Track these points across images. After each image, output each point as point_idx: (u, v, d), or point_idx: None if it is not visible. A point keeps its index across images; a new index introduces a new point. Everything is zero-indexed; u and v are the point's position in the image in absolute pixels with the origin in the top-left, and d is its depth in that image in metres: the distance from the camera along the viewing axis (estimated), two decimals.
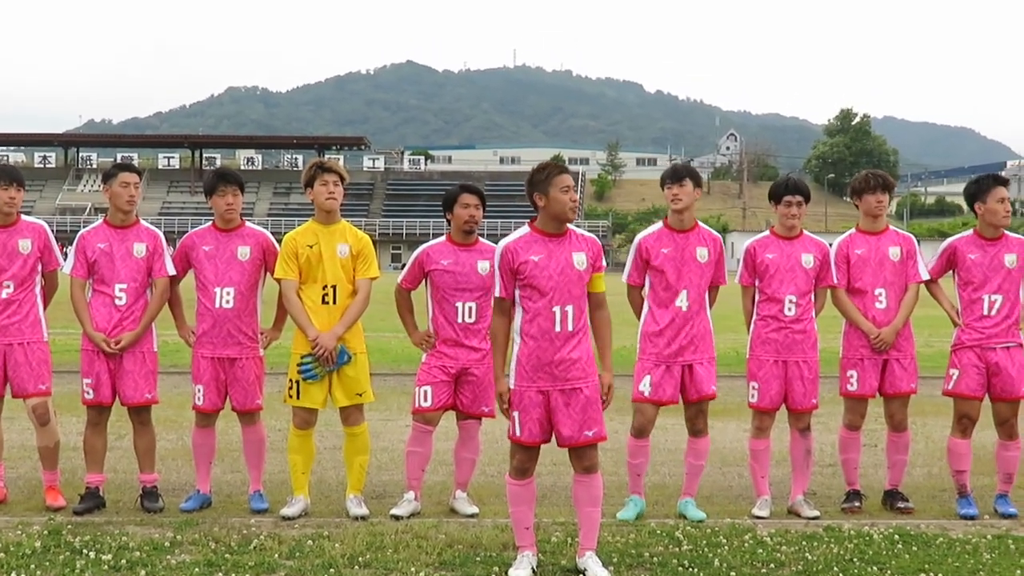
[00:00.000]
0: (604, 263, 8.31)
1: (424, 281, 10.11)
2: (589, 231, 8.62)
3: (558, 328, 7.96)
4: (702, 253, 9.93)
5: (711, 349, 10.03)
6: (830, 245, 10.37)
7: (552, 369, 7.97)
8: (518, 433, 8.06)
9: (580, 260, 8.06)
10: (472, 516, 9.80)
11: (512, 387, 8.08)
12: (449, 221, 10.12)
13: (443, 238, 10.16)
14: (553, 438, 8.14)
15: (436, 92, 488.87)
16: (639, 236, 10.16)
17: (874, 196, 10.36)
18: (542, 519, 9.47)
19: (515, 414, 8.06)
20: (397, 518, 9.70)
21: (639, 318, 10.09)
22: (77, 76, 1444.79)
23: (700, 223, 10.13)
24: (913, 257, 10.35)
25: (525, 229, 8.15)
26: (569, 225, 8.17)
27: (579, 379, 8.00)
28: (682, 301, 9.82)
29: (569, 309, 7.98)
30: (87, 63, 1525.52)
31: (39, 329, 10.10)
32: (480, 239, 10.15)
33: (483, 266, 9.93)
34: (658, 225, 10.14)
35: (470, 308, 9.94)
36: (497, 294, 8.12)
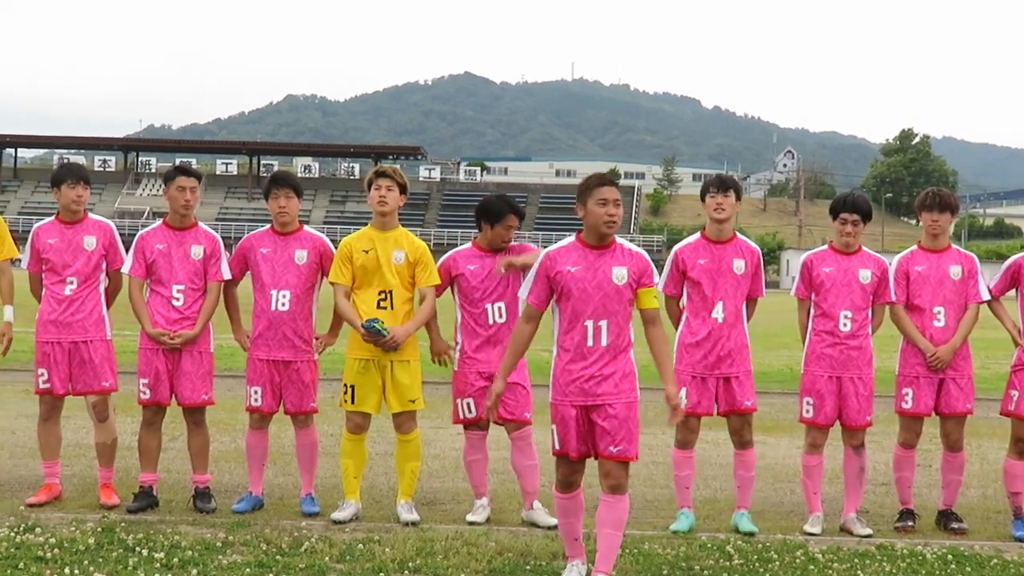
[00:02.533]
0: (655, 280, 8.04)
1: (450, 288, 10.14)
2: (643, 246, 8.55)
3: (590, 343, 7.79)
4: (739, 265, 9.90)
5: (747, 362, 9.99)
6: (888, 263, 10.30)
7: (582, 384, 7.80)
8: (557, 446, 7.92)
9: (620, 275, 7.83)
10: (554, 527, 9.67)
11: (551, 400, 7.93)
12: (481, 228, 10.11)
13: (469, 244, 10.17)
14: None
15: (493, 104, 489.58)
16: (676, 247, 10.16)
17: (929, 215, 10.29)
18: (592, 530, 9.45)
19: (553, 428, 7.93)
20: (475, 524, 9.75)
21: (677, 329, 10.08)
22: (138, 82, 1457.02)
23: (739, 235, 10.10)
24: (974, 277, 10.26)
25: (571, 238, 8.02)
26: (618, 239, 8.01)
27: (609, 395, 7.79)
28: (718, 312, 9.80)
29: (603, 324, 7.78)
30: (148, 69, 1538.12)
31: (103, 326, 10.20)
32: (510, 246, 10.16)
33: (505, 263, 9.92)
34: (696, 236, 10.15)
35: (500, 308, 9.93)
36: (522, 295, 8.01)
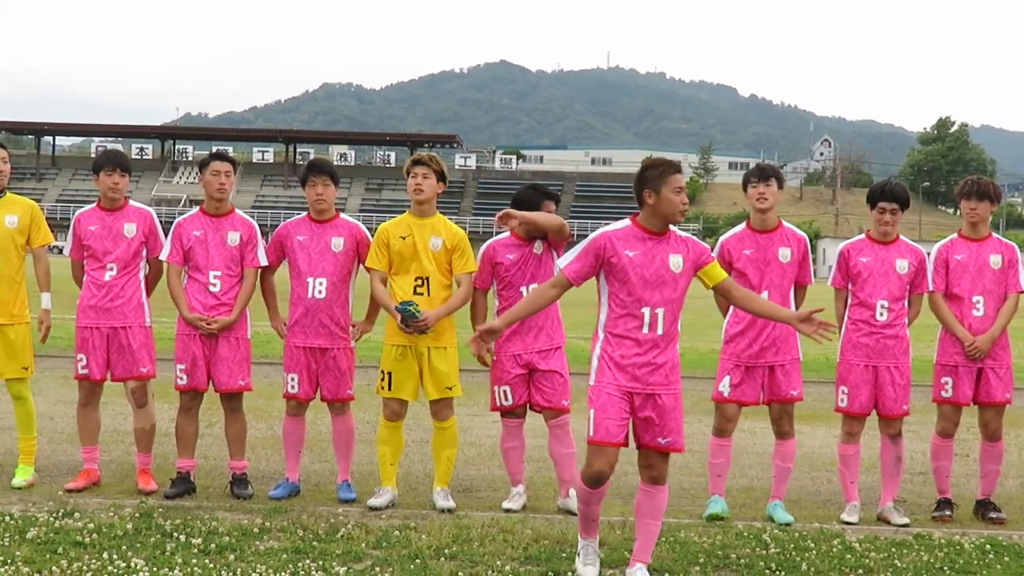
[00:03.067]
0: (713, 255, 8.05)
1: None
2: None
3: (646, 330, 7.63)
4: (784, 253, 9.86)
5: (795, 350, 9.96)
6: (928, 254, 10.25)
7: (634, 371, 7.63)
8: (592, 433, 7.65)
9: (676, 263, 7.69)
10: None
11: (592, 384, 7.71)
12: None
13: (507, 233, 10.13)
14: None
15: (529, 92, 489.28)
16: (722, 238, 10.12)
17: (968, 203, 10.23)
18: (628, 517, 9.45)
19: (591, 413, 7.68)
20: (511, 511, 9.76)
21: (725, 318, 10.05)
22: (175, 70, 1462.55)
23: (785, 223, 10.06)
24: (1015, 266, 10.18)
25: (627, 222, 7.79)
26: (671, 226, 7.86)
27: (660, 385, 7.68)
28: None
29: (660, 312, 7.63)
30: (185, 58, 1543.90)
31: (142, 313, 10.27)
32: None
33: (538, 244, 9.93)
34: (741, 226, 10.10)
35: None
36: (561, 265, 7.78)
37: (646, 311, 7.61)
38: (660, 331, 7.65)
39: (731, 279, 8.00)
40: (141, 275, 10.34)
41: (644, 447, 7.75)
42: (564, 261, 7.80)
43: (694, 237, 7.96)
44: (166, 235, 10.34)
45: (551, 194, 10.17)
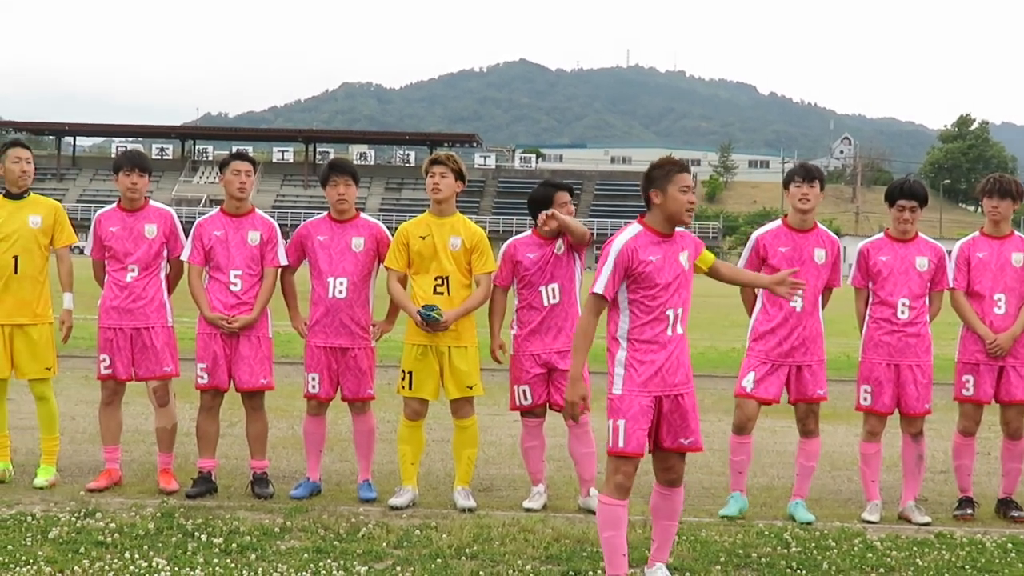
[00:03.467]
0: (701, 241, 7.95)
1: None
2: (699, 233, 8.49)
3: (671, 332, 7.49)
4: (820, 254, 9.86)
5: (821, 351, 9.96)
6: (948, 252, 10.22)
7: (663, 374, 7.47)
8: (621, 444, 7.39)
9: (685, 259, 7.62)
10: None
11: (619, 393, 7.47)
12: (537, 219, 10.06)
13: (529, 232, 10.15)
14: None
15: (548, 91, 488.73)
16: (757, 232, 10.10)
17: (990, 201, 10.20)
18: (649, 517, 9.44)
19: (620, 423, 7.42)
20: (531, 511, 9.77)
21: (750, 315, 10.04)
22: (195, 70, 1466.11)
23: (819, 224, 10.05)
24: None
25: (638, 227, 7.59)
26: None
27: (683, 384, 7.57)
28: (796, 300, 9.73)
29: (680, 312, 7.55)
30: (205, 58, 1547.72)
31: (164, 313, 10.31)
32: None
33: (559, 244, 9.94)
34: (777, 223, 10.08)
35: (553, 289, 9.92)
36: (599, 291, 7.41)
37: (671, 313, 7.49)
38: (681, 330, 7.58)
39: (720, 261, 8.01)
40: (162, 275, 10.38)
41: (666, 450, 7.62)
42: (600, 284, 7.41)
43: (686, 231, 7.84)
44: (186, 235, 10.37)
45: (563, 185, 10.19)
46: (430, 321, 9.55)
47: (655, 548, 7.83)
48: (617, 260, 7.46)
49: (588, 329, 7.53)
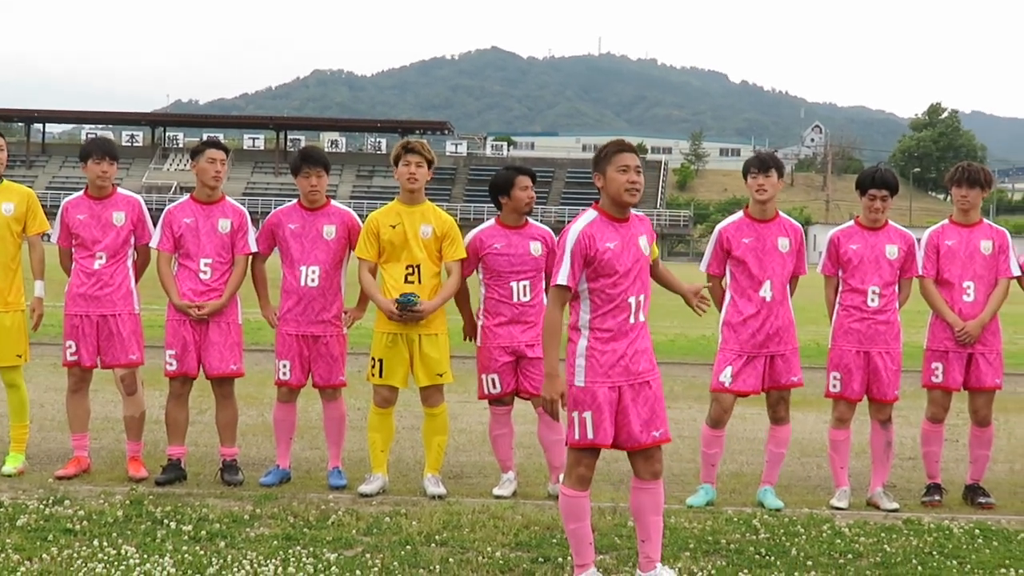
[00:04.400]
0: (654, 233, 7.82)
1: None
2: (670, 221, 8.45)
3: (632, 320, 7.32)
4: (783, 243, 9.86)
5: (794, 339, 9.98)
6: (918, 240, 10.26)
7: (627, 363, 7.30)
8: (590, 435, 7.26)
9: (644, 244, 7.44)
10: None
11: (580, 384, 7.30)
12: (500, 205, 10.08)
13: (492, 222, 10.13)
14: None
15: (520, 78, 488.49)
16: (719, 226, 10.10)
17: (959, 189, 10.24)
18: (618, 503, 9.48)
19: (586, 415, 7.28)
20: (501, 498, 9.79)
21: (720, 308, 10.05)
22: (165, 57, 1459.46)
23: (782, 213, 10.06)
24: (1005, 252, 10.20)
25: (594, 214, 7.42)
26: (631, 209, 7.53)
27: (648, 372, 7.39)
28: (766, 291, 9.75)
29: (641, 298, 7.37)
30: (175, 45, 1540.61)
31: (131, 300, 10.28)
32: (529, 220, 10.16)
33: (535, 247, 9.94)
34: (739, 215, 10.07)
35: (524, 287, 9.92)
36: (563, 282, 7.24)
37: (632, 300, 7.33)
38: (642, 318, 7.41)
39: (658, 259, 8.06)
40: (129, 263, 10.34)
41: (637, 445, 7.35)
42: (560, 276, 7.26)
43: (642, 215, 7.63)
44: (155, 222, 10.34)
45: (524, 170, 10.17)
46: (408, 306, 9.53)
47: (649, 548, 7.50)
48: (575, 249, 7.29)
49: (556, 323, 7.36)
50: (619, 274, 7.29)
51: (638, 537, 7.59)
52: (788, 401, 10.04)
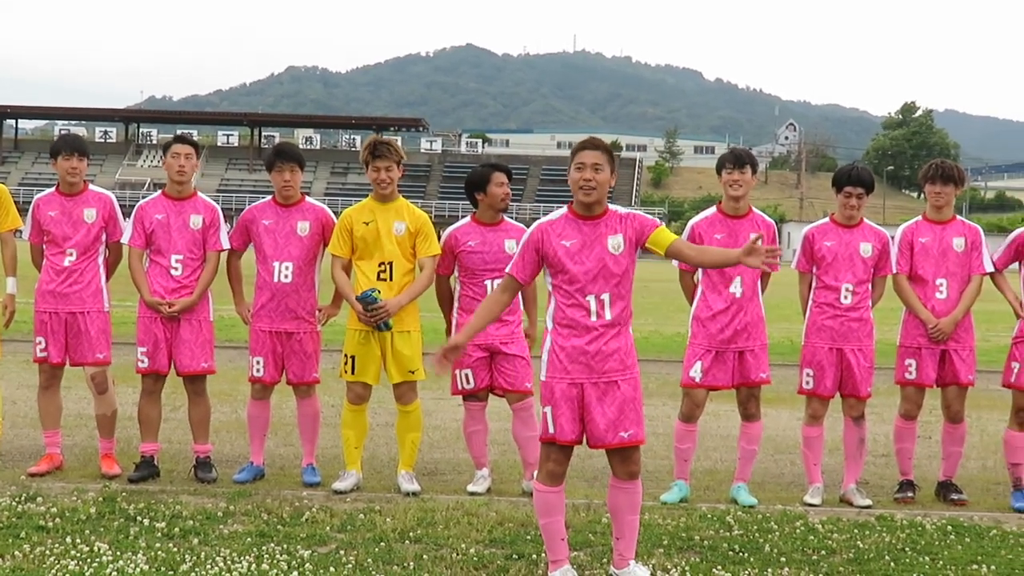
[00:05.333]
0: (658, 222, 7.51)
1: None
2: None
3: (593, 318, 7.27)
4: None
5: (763, 336, 10.00)
6: (892, 238, 10.29)
7: (588, 360, 7.27)
8: (552, 430, 7.32)
9: (615, 244, 7.30)
10: None
11: (543, 379, 7.38)
12: (477, 202, 10.08)
13: (467, 219, 10.15)
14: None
15: (495, 75, 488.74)
16: (692, 221, 10.11)
17: (932, 186, 10.28)
18: (592, 500, 9.49)
19: (547, 410, 7.35)
20: (475, 494, 9.79)
21: (691, 302, 10.06)
22: (139, 53, 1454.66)
23: (754, 209, 10.07)
24: (978, 249, 10.24)
25: (563, 210, 7.48)
26: (611, 206, 7.43)
27: (616, 372, 7.31)
28: (736, 287, 9.78)
29: (605, 298, 7.28)
30: (149, 40, 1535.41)
31: (100, 298, 10.22)
32: (505, 218, 10.17)
33: (510, 245, 9.93)
34: (712, 210, 10.08)
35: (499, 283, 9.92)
36: (508, 270, 7.48)
37: (591, 299, 7.28)
38: (609, 316, 7.31)
39: (681, 239, 7.65)
40: (100, 260, 10.30)
41: (607, 445, 7.34)
42: (510, 264, 7.53)
43: (637, 212, 7.55)
44: (127, 219, 10.31)
45: (498, 166, 10.18)
46: (368, 302, 9.50)
47: (623, 546, 7.55)
48: (528, 241, 7.43)
49: (491, 304, 7.60)
50: (573, 272, 7.29)
51: (613, 534, 7.62)
52: (758, 398, 10.06)
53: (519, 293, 9.52)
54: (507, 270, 7.54)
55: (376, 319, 9.59)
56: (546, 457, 7.44)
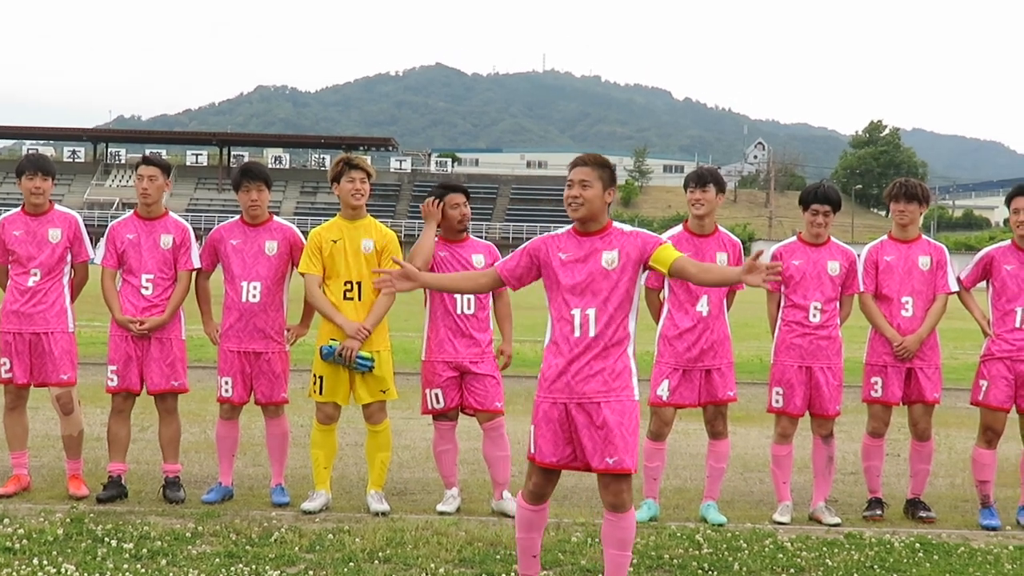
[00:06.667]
0: (662, 239, 7.36)
1: None
2: None
3: (577, 333, 7.09)
4: (721, 258, 9.87)
5: (730, 354, 10.02)
6: (859, 256, 10.34)
7: (568, 379, 7.08)
8: (532, 450, 7.20)
9: (609, 259, 7.15)
10: None
11: (535, 398, 7.25)
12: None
13: (434, 237, 10.13)
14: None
15: (464, 95, 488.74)
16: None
17: (896, 205, 10.35)
18: (562, 519, 9.49)
19: (531, 429, 7.23)
20: (445, 514, 9.78)
21: (657, 321, 10.07)
22: (107, 72, 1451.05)
23: (720, 228, 10.10)
24: (943, 267, 10.30)
25: (568, 226, 7.42)
26: (615, 223, 7.31)
27: (600, 394, 7.05)
28: (703, 306, 9.81)
29: (590, 313, 7.09)
30: (117, 60, 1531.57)
31: (64, 319, 10.17)
32: (469, 235, 10.19)
33: (477, 259, 9.96)
34: (678, 229, 10.10)
35: (468, 299, 9.93)
36: (496, 264, 7.53)
37: (576, 313, 7.12)
38: (592, 333, 7.09)
39: (685, 257, 7.36)
40: (65, 280, 10.25)
41: (592, 470, 7.09)
42: (500, 260, 7.55)
43: (642, 230, 7.41)
44: (91, 239, 10.29)
45: (452, 186, 10.17)
46: (330, 359, 9.58)
47: None
48: (526, 246, 7.43)
49: (466, 277, 7.96)
50: (561, 284, 7.19)
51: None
52: (726, 416, 10.07)
53: (495, 301, 9.60)
54: (495, 264, 7.57)
55: (349, 364, 9.60)
56: (528, 476, 7.34)
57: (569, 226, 7.43)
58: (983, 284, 10.41)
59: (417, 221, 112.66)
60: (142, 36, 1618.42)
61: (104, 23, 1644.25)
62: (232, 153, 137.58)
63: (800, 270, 10.07)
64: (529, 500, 7.32)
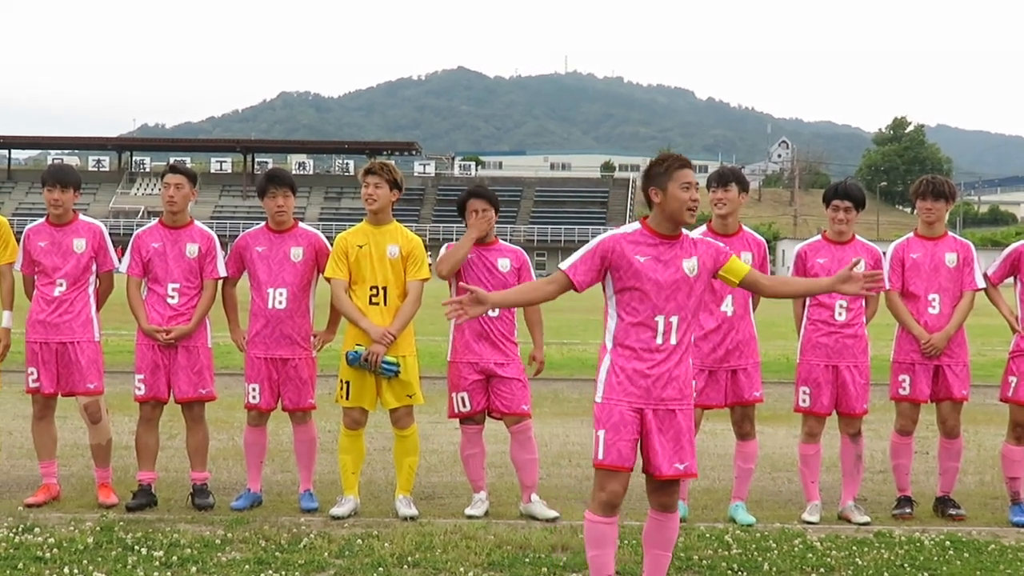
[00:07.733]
0: (730, 252, 7.33)
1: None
2: None
3: (659, 340, 6.95)
4: (746, 257, 9.78)
5: (756, 354, 10.00)
6: (884, 254, 10.30)
7: (648, 384, 6.95)
8: (600, 456, 6.95)
9: (691, 267, 7.00)
10: (553, 520, 9.71)
11: (599, 401, 7.04)
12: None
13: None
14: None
15: (487, 98, 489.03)
16: None
17: (923, 202, 10.30)
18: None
19: (600, 434, 6.96)
20: (473, 518, 9.77)
21: None
22: (132, 81, 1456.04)
23: (745, 227, 10.08)
24: (970, 264, 10.25)
25: (636, 225, 7.14)
26: (683, 229, 7.19)
27: (675, 400, 7.01)
28: (727, 306, 9.79)
29: (674, 320, 6.96)
30: (141, 68, 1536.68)
31: (91, 328, 10.19)
32: (499, 239, 10.20)
33: (503, 263, 9.98)
34: (702, 229, 10.04)
35: None
36: (564, 266, 7.05)
37: (660, 319, 6.96)
38: (674, 340, 6.99)
39: (755, 271, 7.36)
40: (91, 290, 10.28)
41: (658, 475, 7.02)
42: (566, 262, 7.07)
43: (709, 239, 7.39)
44: (116, 247, 10.31)
45: (476, 192, 10.15)
46: (356, 364, 9.61)
47: None
48: (598, 246, 7.06)
49: (532, 288, 7.44)
50: (646, 290, 6.95)
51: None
52: (753, 416, 10.06)
53: (532, 309, 9.53)
54: (562, 267, 7.09)
55: (375, 369, 9.62)
56: (598, 486, 7.05)
57: (636, 225, 7.18)
58: (1010, 280, 10.37)
59: (442, 224, 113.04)
60: (165, 44, 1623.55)
61: (127, 32, 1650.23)
62: (256, 160, 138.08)
63: (825, 268, 10.03)
64: (602, 512, 7.06)
